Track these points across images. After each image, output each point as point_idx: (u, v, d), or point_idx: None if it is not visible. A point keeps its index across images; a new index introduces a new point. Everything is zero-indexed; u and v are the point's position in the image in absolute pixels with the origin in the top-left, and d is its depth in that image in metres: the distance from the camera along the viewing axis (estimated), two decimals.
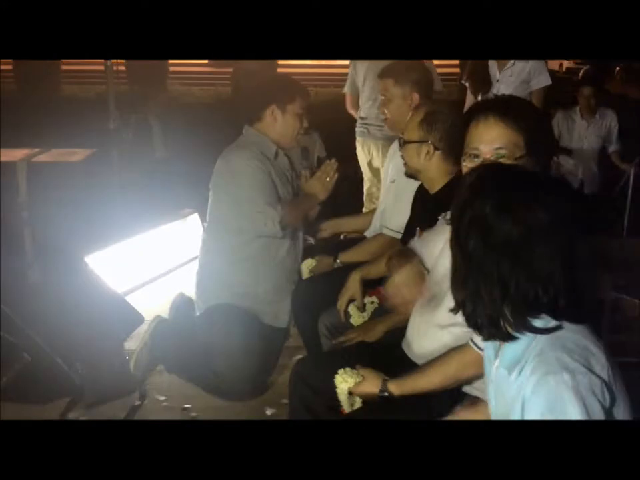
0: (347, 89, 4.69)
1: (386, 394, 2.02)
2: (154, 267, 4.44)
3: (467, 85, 5.06)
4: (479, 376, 1.93)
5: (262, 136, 3.14)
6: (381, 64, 3.26)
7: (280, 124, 3.13)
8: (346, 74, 4.77)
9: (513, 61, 4.34)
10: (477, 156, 1.88)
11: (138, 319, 3.57)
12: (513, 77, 4.36)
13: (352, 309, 2.75)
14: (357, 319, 2.73)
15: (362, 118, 4.52)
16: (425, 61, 3.40)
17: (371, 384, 2.06)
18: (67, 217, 4.24)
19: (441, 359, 2.02)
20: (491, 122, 1.87)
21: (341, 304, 2.74)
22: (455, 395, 2.02)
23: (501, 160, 1.83)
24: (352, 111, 4.70)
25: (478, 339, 1.89)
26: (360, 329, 2.58)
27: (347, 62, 9.25)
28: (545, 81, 4.40)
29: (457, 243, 1.41)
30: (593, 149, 5.54)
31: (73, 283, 3.46)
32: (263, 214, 2.99)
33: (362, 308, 2.76)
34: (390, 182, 3.03)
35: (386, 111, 3.10)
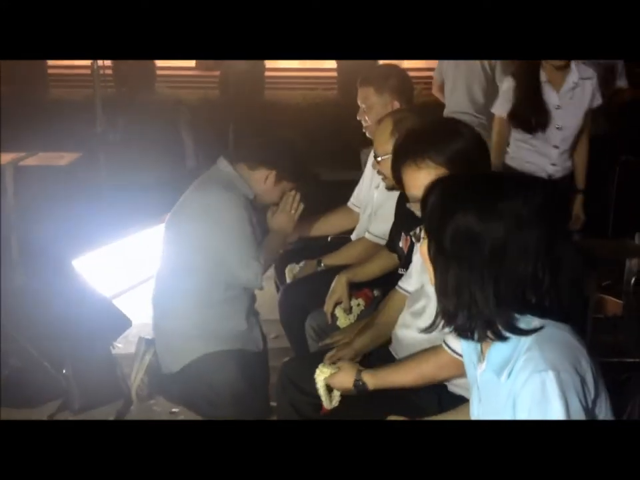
0: (435, 74, 4.72)
1: (360, 383, 2.05)
2: (141, 270, 4.44)
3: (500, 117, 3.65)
4: (457, 376, 1.96)
5: (242, 180, 2.85)
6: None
7: (266, 190, 2.89)
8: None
9: (575, 80, 3.52)
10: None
11: (126, 322, 3.58)
12: (574, 99, 3.56)
13: (338, 311, 2.77)
14: (343, 321, 2.75)
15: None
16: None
17: (346, 373, 2.09)
18: (54, 220, 4.22)
19: (418, 357, 2.05)
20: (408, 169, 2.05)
21: (328, 306, 2.76)
22: (439, 392, 2.05)
23: None
24: (438, 94, 4.74)
25: (452, 341, 1.91)
26: (346, 331, 2.60)
27: (334, 65, 9.24)
28: (599, 98, 3.64)
29: (441, 255, 1.40)
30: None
31: (60, 287, 3.46)
32: (249, 269, 2.79)
33: (348, 310, 2.78)
34: (375, 187, 3.04)
35: (367, 117, 3.04)
